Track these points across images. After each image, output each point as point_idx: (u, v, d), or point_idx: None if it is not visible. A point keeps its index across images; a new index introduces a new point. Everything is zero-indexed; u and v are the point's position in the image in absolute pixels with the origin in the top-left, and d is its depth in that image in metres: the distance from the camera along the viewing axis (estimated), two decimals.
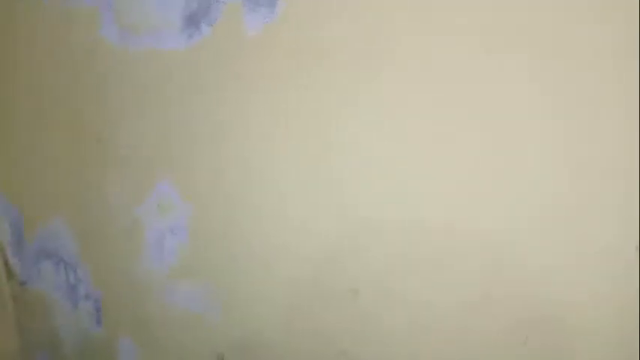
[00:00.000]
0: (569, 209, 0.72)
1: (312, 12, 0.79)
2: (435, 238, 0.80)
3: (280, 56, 0.82)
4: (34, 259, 1.11)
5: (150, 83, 0.93)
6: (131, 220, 1.00)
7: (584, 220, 0.71)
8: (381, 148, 0.80)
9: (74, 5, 0.95)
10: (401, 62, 0.76)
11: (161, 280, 1.00)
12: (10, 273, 1.13)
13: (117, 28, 0.92)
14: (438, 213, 0.79)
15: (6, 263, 1.13)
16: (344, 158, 0.83)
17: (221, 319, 0.98)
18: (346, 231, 0.85)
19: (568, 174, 0.71)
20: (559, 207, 0.72)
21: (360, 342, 0.88)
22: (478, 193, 0.76)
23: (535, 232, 0.74)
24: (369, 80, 0.78)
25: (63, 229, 1.06)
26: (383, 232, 0.83)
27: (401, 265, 0.83)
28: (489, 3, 0.70)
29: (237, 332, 0.97)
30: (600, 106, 0.68)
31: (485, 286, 0.79)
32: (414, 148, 0.78)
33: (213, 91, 0.89)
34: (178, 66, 0.90)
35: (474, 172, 0.76)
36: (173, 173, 0.95)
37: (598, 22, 0.67)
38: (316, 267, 0.89)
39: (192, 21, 0.87)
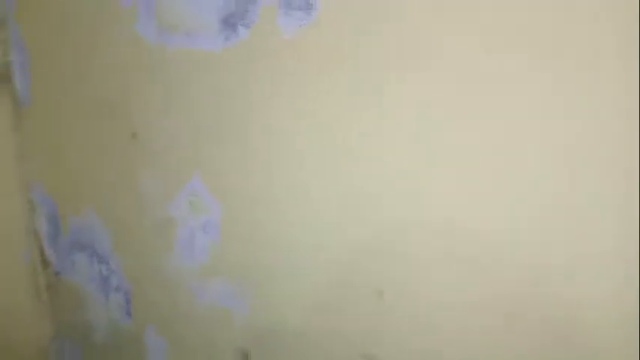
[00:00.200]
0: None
1: (348, 18, 0.79)
2: (464, 239, 0.80)
3: (312, 60, 0.83)
4: (69, 251, 1.13)
5: (185, 82, 0.94)
6: (163, 216, 1.02)
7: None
8: (405, 151, 0.80)
9: (114, 1, 0.97)
10: (427, 66, 0.76)
11: (191, 276, 1.02)
12: (45, 263, 1.16)
13: (155, 27, 0.94)
14: (466, 213, 0.79)
15: (42, 253, 1.16)
16: (369, 161, 0.83)
17: (248, 317, 0.99)
18: (372, 232, 0.86)
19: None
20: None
21: (384, 344, 0.89)
22: (510, 195, 0.76)
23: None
24: (395, 84, 0.79)
25: (97, 222, 1.09)
26: (408, 232, 0.83)
27: (427, 266, 0.83)
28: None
29: (263, 331, 0.98)
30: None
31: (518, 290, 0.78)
32: (439, 150, 0.78)
33: (247, 93, 0.90)
34: (214, 67, 0.91)
35: (496, 173, 0.76)
36: (205, 172, 0.96)
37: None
38: (341, 268, 0.90)
39: (229, 23, 0.87)
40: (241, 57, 0.88)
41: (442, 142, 0.77)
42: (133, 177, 1.03)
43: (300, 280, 0.93)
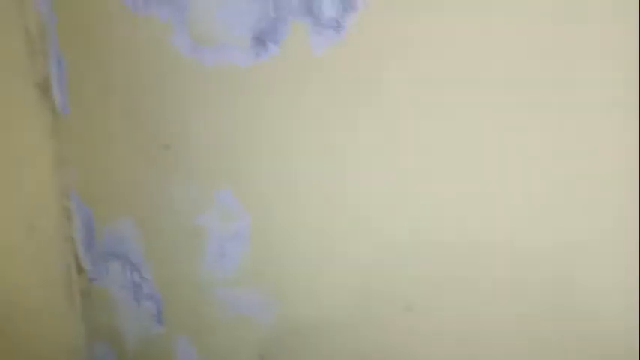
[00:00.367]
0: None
1: (374, 39, 0.81)
2: (491, 254, 0.80)
3: (339, 78, 0.85)
4: (103, 258, 1.16)
5: (217, 95, 0.96)
6: (194, 225, 1.03)
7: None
8: (443, 171, 0.81)
9: (150, 14, 0.99)
10: (453, 91, 0.78)
11: (221, 285, 1.04)
12: (80, 269, 1.19)
13: (189, 41, 0.96)
14: (495, 229, 0.79)
15: (77, 260, 1.19)
16: (402, 176, 0.84)
17: (274, 326, 1.00)
18: (401, 246, 0.86)
19: None
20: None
21: (410, 357, 0.88)
22: (538, 207, 0.77)
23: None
24: (423, 107, 0.81)
25: (131, 230, 1.11)
26: (435, 246, 0.84)
27: (455, 282, 0.83)
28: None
29: (287, 339, 0.99)
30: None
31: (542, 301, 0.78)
32: (473, 166, 0.79)
33: (276, 108, 0.92)
34: (244, 81, 0.93)
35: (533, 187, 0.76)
36: (235, 184, 0.98)
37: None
38: (370, 280, 0.90)
39: (260, 40, 0.89)
40: (271, 73, 0.90)
41: (475, 164, 0.79)
42: (166, 187, 1.05)
43: (328, 290, 0.94)
